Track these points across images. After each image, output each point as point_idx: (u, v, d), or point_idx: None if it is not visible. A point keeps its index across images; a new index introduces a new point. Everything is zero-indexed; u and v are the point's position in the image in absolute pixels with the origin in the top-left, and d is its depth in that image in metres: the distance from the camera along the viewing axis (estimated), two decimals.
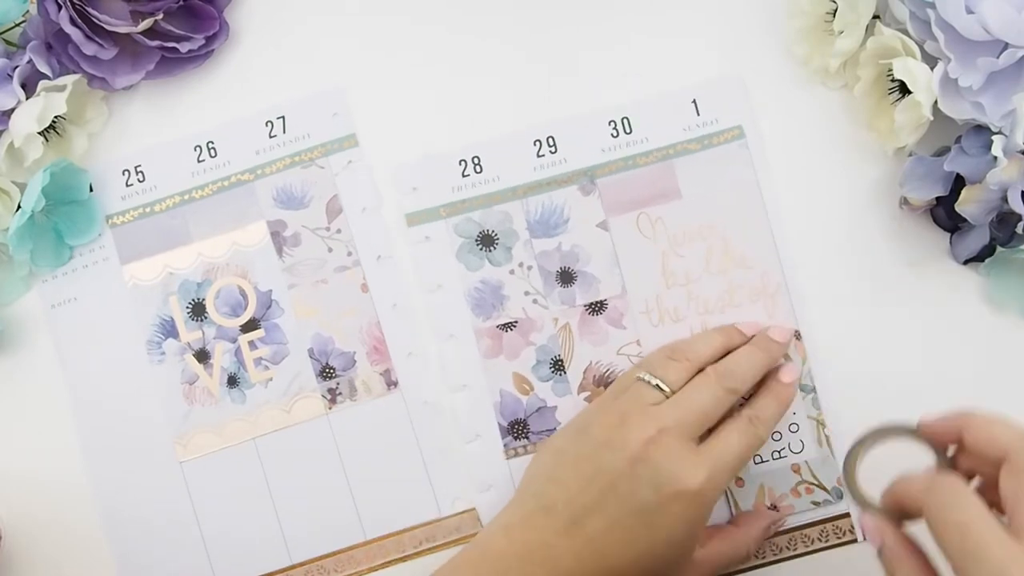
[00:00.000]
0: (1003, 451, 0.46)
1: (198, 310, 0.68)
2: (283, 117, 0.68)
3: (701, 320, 0.65)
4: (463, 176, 0.67)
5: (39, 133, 0.63)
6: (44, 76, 0.64)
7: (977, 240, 0.63)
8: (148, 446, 0.67)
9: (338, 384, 0.67)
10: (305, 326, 0.67)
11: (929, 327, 0.65)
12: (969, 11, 0.57)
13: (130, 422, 0.67)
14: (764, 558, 0.65)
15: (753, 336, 0.63)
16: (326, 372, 0.67)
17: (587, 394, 0.65)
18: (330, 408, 0.67)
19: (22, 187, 0.64)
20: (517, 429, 0.65)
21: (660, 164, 0.66)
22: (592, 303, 0.66)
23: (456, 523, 0.66)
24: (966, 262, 0.64)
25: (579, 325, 0.66)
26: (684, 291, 0.65)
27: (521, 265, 0.66)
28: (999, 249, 0.62)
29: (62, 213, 0.67)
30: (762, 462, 0.65)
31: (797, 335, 0.65)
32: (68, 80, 0.64)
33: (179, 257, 0.68)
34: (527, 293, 0.66)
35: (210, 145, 0.68)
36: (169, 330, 0.68)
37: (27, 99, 0.63)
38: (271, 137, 0.68)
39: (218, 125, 0.68)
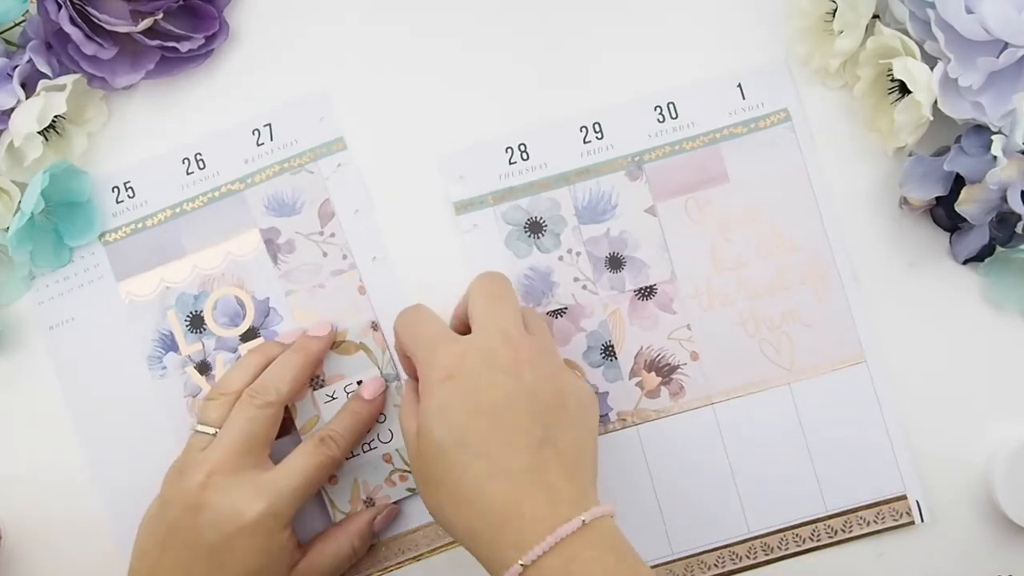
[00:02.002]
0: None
1: (197, 322, 0.67)
2: (269, 124, 0.68)
3: (751, 305, 0.65)
4: (510, 164, 0.66)
5: (39, 132, 0.62)
6: (44, 76, 0.63)
7: (977, 240, 0.63)
8: (155, 461, 0.65)
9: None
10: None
11: (928, 327, 0.66)
12: (969, 11, 0.57)
13: (136, 438, 0.66)
14: (819, 541, 0.64)
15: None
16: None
17: (639, 379, 0.65)
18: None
19: (22, 186, 0.63)
20: None
21: (707, 148, 0.66)
22: (642, 288, 0.65)
23: None
24: (966, 262, 0.65)
25: (629, 310, 0.65)
26: (734, 275, 0.65)
27: (570, 251, 0.66)
28: (999, 249, 0.63)
29: (62, 214, 0.66)
30: (352, 456, 0.65)
31: (374, 325, 0.66)
32: (68, 80, 0.63)
33: (174, 271, 0.67)
34: (576, 279, 0.65)
35: (198, 157, 0.67)
36: (169, 344, 0.67)
37: (27, 98, 0.62)
38: (259, 145, 0.67)
39: (204, 135, 0.67)
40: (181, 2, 0.64)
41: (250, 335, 0.67)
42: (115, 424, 0.66)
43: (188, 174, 0.67)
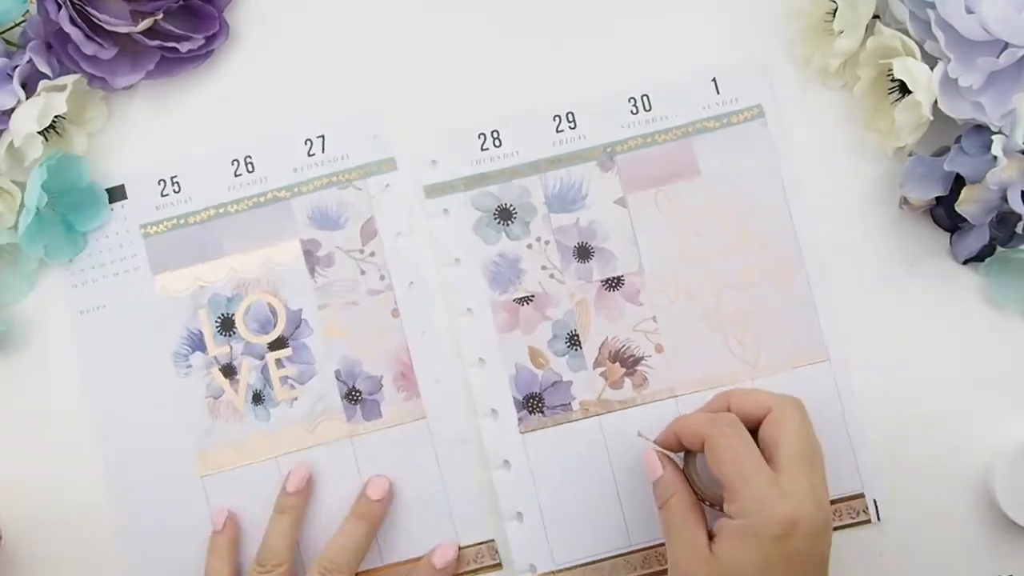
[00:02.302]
0: (767, 407, 0.56)
1: (227, 325, 0.67)
2: (323, 136, 0.67)
3: (717, 299, 0.65)
4: (482, 150, 0.67)
5: (39, 132, 0.62)
6: (44, 76, 0.63)
7: (977, 240, 0.63)
8: (169, 458, 0.66)
9: (363, 407, 0.66)
10: (334, 347, 0.67)
11: (929, 327, 0.66)
12: (969, 11, 0.57)
13: (152, 433, 0.66)
14: None
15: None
16: (352, 395, 0.66)
17: (603, 369, 0.65)
18: (354, 431, 0.66)
19: (22, 186, 0.64)
20: (532, 403, 0.65)
21: (679, 142, 0.66)
22: (609, 279, 0.66)
23: (475, 553, 0.66)
24: (966, 262, 0.65)
25: (596, 300, 0.66)
26: (701, 269, 0.66)
27: (539, 239, 0.66)
28: (999, 249, 0.63)
29: (67, 203, 0.66)
30: None
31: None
32: (68, 80, 0.64)
33: (211, 270, 0.67)
34: (544, 268, 0.66)
35: (248, 160, 0.68)
36: (197, 343, 0.67)
37: (27, 99, 0.63)
38: (310, 155, 0.68)
39: (256, 139, 0.68)
40: (181, 2, 0.65)
41: (279, 344, 0.67)
42: (132, 416, 0.67)
43: (236, 176, 0.68)
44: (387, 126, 0.67)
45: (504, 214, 0.66)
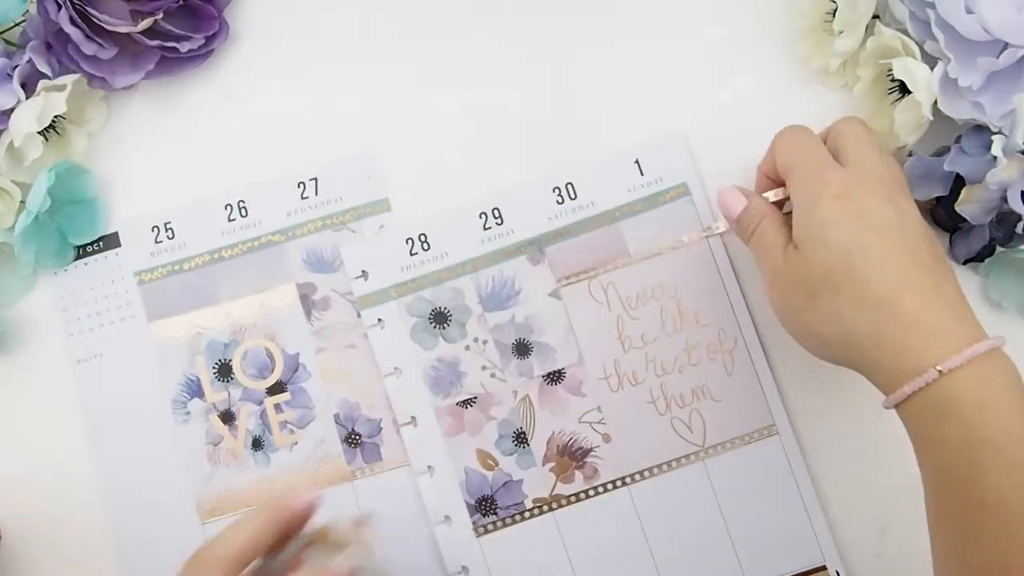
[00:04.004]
0: (825, 133, 0.59)
1: (224, 371, 0.67)
2: (316, 179, 0.68)
3: (660, 382, 0.65)
4: (411, 255, 0.66)
5: (39, 132, 0.63)
6: (44, 76, 0.63)
7: (977, 240, 0.63)
8: (170, 507, 0.66)
9: (363, 451, 0.66)
10: (332, 391, 0.66)
11: None
12: (969, 11, 0.57)
13: (153, 481, 0.66)
14: None
15: None
16: (351, 438, 0.66)
17: (552, 464, 0.65)
18: (354, 475, 0.66)
19: (22, 186, 0.64)
20: (485, 506, 0.65)
21: (608, 227, 0.66)
22: (550, 373, 0.65)
23: None
24: (966, 262, 0.65)
25: (539, 396, 0.65)
26: (641, 354, 0.65)
27: (476, 340, 0.66)
28: (999, 249, 0.63)
29: (66, 213, 0.66)
30: None
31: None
32: (68, 80, 0.64)
33: (207, 316, 0.67)
34: (484, 368, 0.65)
35: (241, 204, 0.68)
36: (195, 390, 0.67)
37: (27, 98, 0.63)
38: (303, 199, 0.68)
39: (250, 185, 0.68)
40: (181, 2, 0.65)
41: (277, 389, 0.67)
42: (133, 465, 0.66)
43: (230, 220, 0.68)
44: (380, 166, 0.68)
45: (439, 318, 0.66)
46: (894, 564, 0.65)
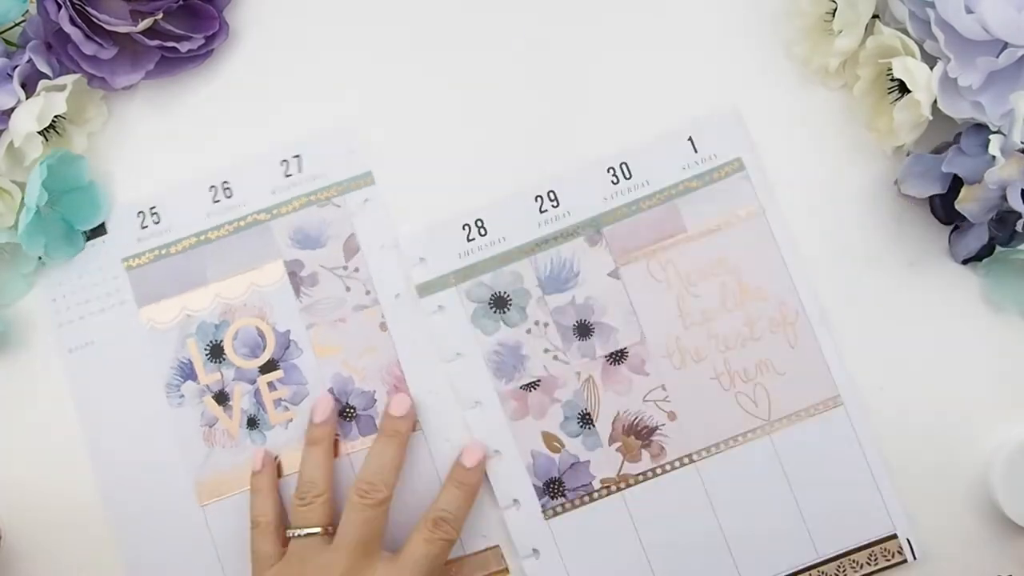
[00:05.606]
0: None
1: (216, 352, 0.67)
2: (299, 156, 0.68)
3: (723, 358, 0.65)
4: (468, 240, 0.66)
5: (39, 132, 0.63)
6: (44, 76, 0.63)
7: (976, 239, 0.63)
8: (169, 490, 0.66)
9: (359, 423, 0.66)
10: (324, 366, 0.67)
11: (928, 327, 0.65)
12: (969, 11, 0.57)
13: (150, 466, 0.66)
14: None
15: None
16: (346, 412, 0.66)
17: (619, 444, 0.65)
18: (350, 448, 0.66)
19: (23, 186, 0.64)
20: (553, 488, 0.65)
21: (664, 206, 0.66)
22: (612, 353, 0.65)
23: (482, 560, 0.65)
24: (965, 262, 0.65)
25: (602, 376, 0.65)
26: (703, 330, 0.65)
27: (537, 323, 0.65)
28: (998, 249, 0.63)
29: (66, 202, 0.66)
30: None
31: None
32: (68, 80, 0.64)
33: (196, 299, 0.67)
34: (547, 350, 0.65)
35: (225, 185, 0.68)
36: (188, 373, 0.67)
37: (27, 98, 0.63)
38: (287, 176, 0.68)
39: (232, 164, 0.68)
40: (181, 2, 0.65)
41: (269, 367, 0.67)
42: (129, 451, 0.66)
43: (215, 202, 0.68)
44: (362, 140, 0.67)
45: (499, 302, 0.66)
46: (932, 498, 0.65)
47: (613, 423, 0.65)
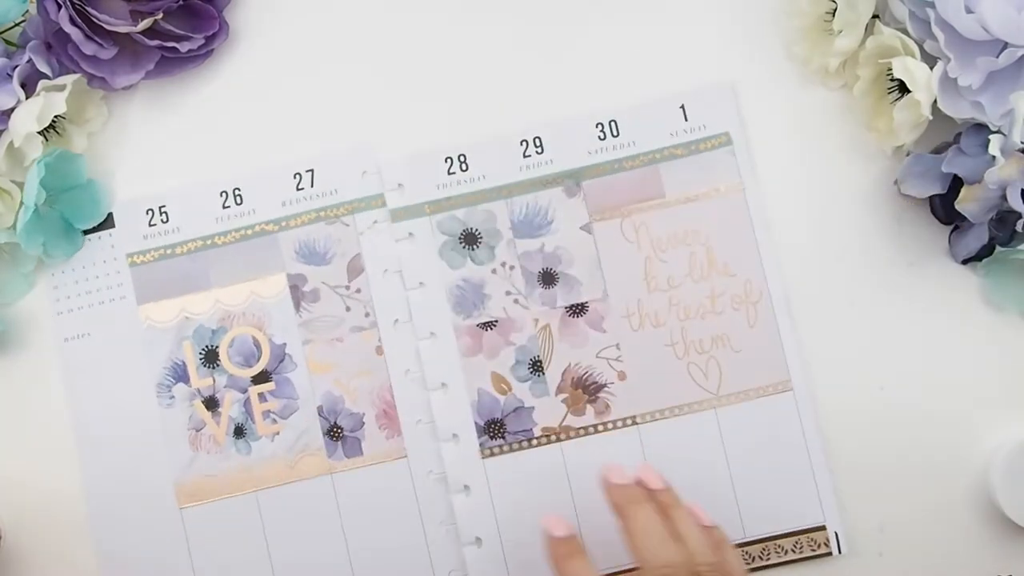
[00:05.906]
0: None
1: (211, 357, 0.67)
2: (312, 170, 0.67)
3: (681, 327, 0.65)
4: (449, 174, 0.66)
5: (39, 132, 0.63)
6: (44, 76, 0.63)
7: (976, 239, 0.63)
8: (150, 489, 0.66)
9: (345, 444, 0.66)
10: (317, 383, 0.66)
11: (928, 327, 0.66)
12: (969, 11, 0.57)
13: (134, 463, 0.66)
14: None
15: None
16: (334, 431, 0.66)
17: (565, 395, 0.65)
18: (334, 468, 0.66)
19: (22, 186, 0.64)
20: (493, 429, 0.65)
21: (646, 168, 0.66)
22: (573, 305, 0.66)
23: None
24: (964, 262, 0.65)
25: (559, 327, 0.65)
26: (666, 296, 0.65)
27: (503, 265, 0.66)
28: (997, 249, 0.63)
29: (65, 201, 0.66)
30: None
31: None
32: (68, 80, 0.64)
33: (196, 302, 0.67)
34: (508, 293, 0.66)
35: (236, 192, 0.68)
36: (180, 374, 0.67)
37: (27, 98, 0.63)
38: (298, 190, 0.67)
39: (246, 173, 0.67)
40: (181, 2, 0.65)
41: (262, 378, 0.67)
42: (114, 446, 0.66)
43: (224, 207, 0.68)
44: (377, 161, 0.67)
45: (469, 239, 0.66)
46: (932, 498, 0.65)
47: (563, 374, 0.65)
